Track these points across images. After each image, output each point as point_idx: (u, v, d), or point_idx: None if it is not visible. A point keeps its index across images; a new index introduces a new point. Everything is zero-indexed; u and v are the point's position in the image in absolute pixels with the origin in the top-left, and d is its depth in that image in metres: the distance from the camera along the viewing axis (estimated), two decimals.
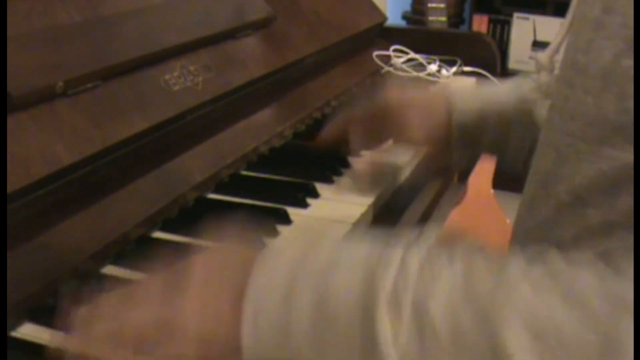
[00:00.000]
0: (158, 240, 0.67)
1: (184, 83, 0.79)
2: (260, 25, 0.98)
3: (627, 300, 0.35)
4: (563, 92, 0.51)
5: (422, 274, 0.39)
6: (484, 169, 1.55)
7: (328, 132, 0.83)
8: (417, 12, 2.82)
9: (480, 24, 2.99)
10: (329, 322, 0.39)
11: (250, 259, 0.43)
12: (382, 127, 0.82)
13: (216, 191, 0.77)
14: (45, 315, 0.55)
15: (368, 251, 0.41)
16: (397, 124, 0.81)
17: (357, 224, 0.71)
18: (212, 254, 0.46)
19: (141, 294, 0.44)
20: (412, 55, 1.27)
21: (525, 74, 0.83)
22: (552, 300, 0.36)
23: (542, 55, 0.63)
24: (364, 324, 0.38)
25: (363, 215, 0.72)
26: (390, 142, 0.85)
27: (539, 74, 0.64)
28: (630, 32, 0.44)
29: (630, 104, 0.43)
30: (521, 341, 0.35)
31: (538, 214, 0.53)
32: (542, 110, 0.69)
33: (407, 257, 0.40)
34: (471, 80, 1.24)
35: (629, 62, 0.44)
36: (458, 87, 0.81)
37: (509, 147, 0.79)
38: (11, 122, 0.59)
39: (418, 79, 1.22)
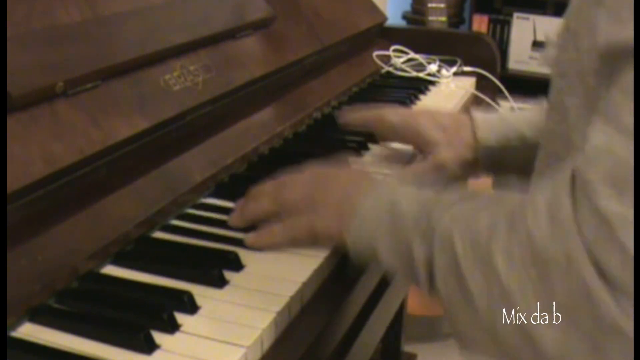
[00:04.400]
0: (158, 240, 0.67)
1: (184, 83, 0.79)
2: (260, 25, 0.98)
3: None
4: (558, 57, 0.57)
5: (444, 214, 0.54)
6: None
7: (357, 119, 0.88)
8: (417, 12, 2.83)
9: (480, 24, 2.99)
10: (397, 239, 0.57)
11: (368, 183, 0.64)
12: (409, 138, 0.86)
13: (215, 194, 0.77)
14: (45, 315, 0.55)
15: (426, 200, 0.58)
16: (425, 138, 0.84)
17: None
18: (349, 170, 0.72)
19: (296, 181, 0.67)
20: (412, 55, 1.27)
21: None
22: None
23: (552, 32, 0.66)
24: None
25: None
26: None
27: (547, 49, 0.67)
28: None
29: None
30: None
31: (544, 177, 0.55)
32: None
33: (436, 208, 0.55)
34: (471, 80, 1.24)
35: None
36: (481, 115, 0.86)
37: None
38: (11, 122, 0.59)
39: (418, 79, 1.22)
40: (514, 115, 0.86)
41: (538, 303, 0.44)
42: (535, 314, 0.44)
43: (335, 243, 0.64)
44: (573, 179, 0.44)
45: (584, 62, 0.52)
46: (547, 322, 0.44)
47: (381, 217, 0.59)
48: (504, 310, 0.46)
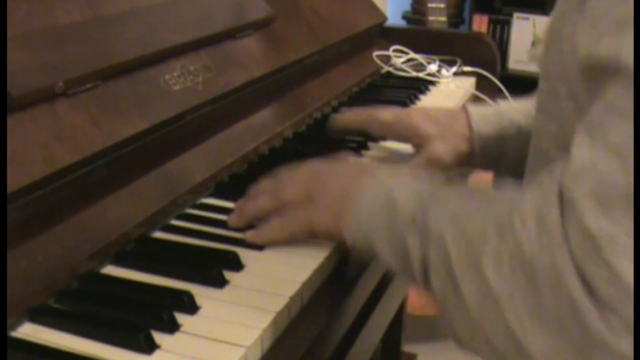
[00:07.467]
0: (158, 240, 0.67)
1: (184, 83, 0.79)
2: (260, 25, 0.98)
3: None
4: (544, 57, 0.58)
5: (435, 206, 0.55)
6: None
7: (349, 120, 0.89)
8: (417, 12, 2.83)
9: (480, 24, 2.99)
10: (391, 228, 0.57)
11: (366, 178, 0.63)
12: (403, 134, 0.86)
13: (215, 194, 0.77)
14: (45, 315, 0.55)
15: (421, 186, 0.58)
16: (419, 132, 0.83)
17: None
18: (347, 163, 0.71)
19: (294, 178, 0.68)
20: (412, 55, 1.27)
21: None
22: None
23: (539, 30, 0.67)
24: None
25: None
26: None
27: (535, 47, 0.67)
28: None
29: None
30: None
31: (535, 175, 0.55)
32: None
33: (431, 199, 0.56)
34: (471, 80, 1.24)
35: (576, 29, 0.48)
36: (476, 108, 0.85)
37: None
38: (11, 122, 0.59)
39: (418, 79, 1.22)
40: (507, 106, 0.86)
41: (526, 309, 0.44)
42: (523, 320, 0.44)
43: (334, 239, 0.64)
44: (560, 191, 0.44)
45: (566, 66, 0.52)
46: (535, 329, 0.44)
47: (378, 212, 0.59)
48: (493, 314, 0.46)
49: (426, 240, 0.53)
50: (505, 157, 0.81)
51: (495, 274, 0.46)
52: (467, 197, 0.55)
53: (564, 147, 0.52)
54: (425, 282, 0.54)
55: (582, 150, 0.43)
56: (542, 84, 0.59)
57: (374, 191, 0.61)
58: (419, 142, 0.84)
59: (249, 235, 0.66)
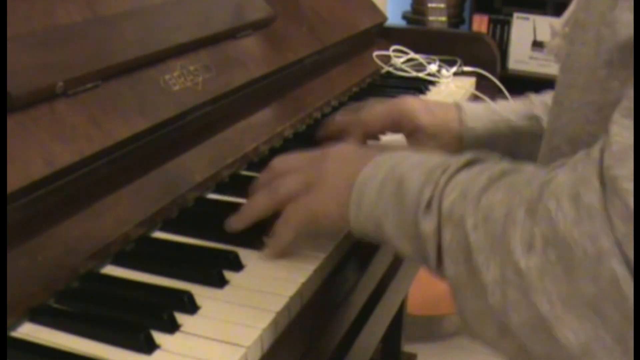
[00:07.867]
0: (158, 240, 0.67)
1: (184, 83, 0.79)
2: (260, 25, 0.98)
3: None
4: (566, 50, 0.57)
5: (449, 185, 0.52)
6: None
7: (336, 124, 0.86)
8: (417, 12, 2.83)
9: (480, 24, 2.99)
10: (401, 212, 0.54)
11: (367, 158, 0.60)
12: (398, 120, 0.84)
13: (216, 191, 0.77)
14: (45, 315, 0.55)
15: (431, 165, 0.55)
16: (414, 124, 0.83)
17: None
18: (344, 147, 0.66)
19: (289, 169, 0.65)
20: (412, 55, 1.27)
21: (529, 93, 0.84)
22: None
23: (556, 22, 0.65)
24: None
25: None
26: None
27: (552, 39, 0.65)
28: None
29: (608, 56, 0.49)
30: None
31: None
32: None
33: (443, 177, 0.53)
34: (471, 80, 1.24)
35: (616, 14, 0.47)
36: (468, 104, 0.85)
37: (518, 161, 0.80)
38: (11, 122, 0.59)
39: (418, 79, 1.22)
40: (499, 104, 0.85)
41: (559, 294, 0.42)
42: (556, 305, 0.42)
43: (339, 226, 0.62)
44: (601, 172, 0.42)
45: (589, 56, 0.51)
46: (569, 315, 0.41)
47: (385, 196, 0.56)
48: (520, 300, 0.44)
49: (442, 224, 0.51)
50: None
51: (525, 257, 0.43)
52: (486, 179, 0.51)
53: (573, 141, 0.51)
54: (439, 264, 0.51)
55: (623, 130, 0.42)
56: (560, 77, 0.58)
57: (379, 175, 0.58)
58: (412, 130, 0.83)
59: (267, 254, 0.63)
